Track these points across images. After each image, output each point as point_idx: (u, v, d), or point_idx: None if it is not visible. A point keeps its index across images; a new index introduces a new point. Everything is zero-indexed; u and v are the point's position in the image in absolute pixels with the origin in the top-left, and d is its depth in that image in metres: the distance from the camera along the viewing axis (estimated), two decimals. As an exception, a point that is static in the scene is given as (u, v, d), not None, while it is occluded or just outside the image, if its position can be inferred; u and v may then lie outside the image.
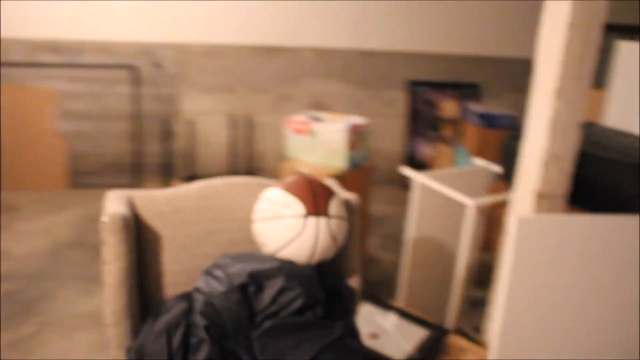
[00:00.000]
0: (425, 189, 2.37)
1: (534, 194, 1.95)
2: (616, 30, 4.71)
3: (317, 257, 1.34)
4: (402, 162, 4.68)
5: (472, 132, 3.59)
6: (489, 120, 3.48)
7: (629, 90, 2.37)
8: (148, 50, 4.12)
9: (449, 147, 4.27)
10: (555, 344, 1.73)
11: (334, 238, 1.35)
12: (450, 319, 2.27)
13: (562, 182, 1.94)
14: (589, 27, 1.81)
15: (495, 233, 2.68)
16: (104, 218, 1.28)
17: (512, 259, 1.66)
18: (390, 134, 4.68)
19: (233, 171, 4.38)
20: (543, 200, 1.95)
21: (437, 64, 4.62)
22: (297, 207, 1.32)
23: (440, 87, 4.66)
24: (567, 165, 1.94)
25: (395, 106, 4.63)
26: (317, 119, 2.89)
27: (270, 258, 1.34)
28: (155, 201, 1.41)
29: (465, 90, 4.70)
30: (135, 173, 4.26)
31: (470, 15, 4.52)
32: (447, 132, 4.68)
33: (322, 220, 1.32)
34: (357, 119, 2.90)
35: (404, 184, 4.58)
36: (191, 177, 4.11)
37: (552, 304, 1.70)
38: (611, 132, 2.33)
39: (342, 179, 2.77)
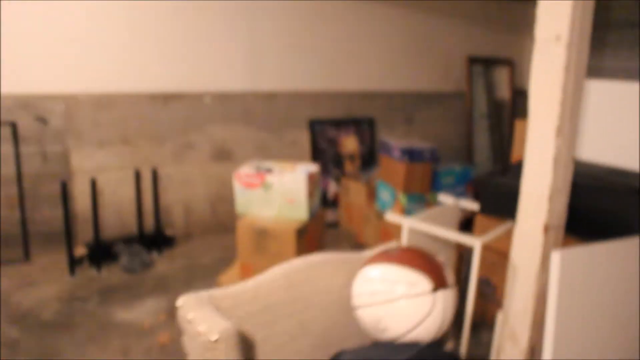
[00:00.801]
0: (413, 233, 2.36)
1: (542, 227, 2.03)
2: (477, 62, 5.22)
3: (442, 332, 1.24)
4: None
5: (395, 166, 3.68)
6: (412, 155, 3.60)
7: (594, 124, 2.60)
8: (29, 103, 3.59)
9: (361, 183, 4.33)
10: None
11: (456, 308, 1.26)
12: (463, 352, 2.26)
13: (563, 214, 2.06)
14: (579, 69, 1.96)
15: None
16: (213, 336, 1.04)
17: (557, 292, 1.70)
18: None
19: (141, 229, 3.97)
20: (549, 232, 2.04)
21: (334, 101, 4.69)
22: (423, 282, 1.20)
23: (339, 124, 4.73)
24: (565, 198, 2.06)
25: (298, 146, 4.59)
26: (268, 170, 2.73)
27: (403, 347, 1.20)
28: (242, 299, 1.19)
29: (362, 125, 4.83)
30: (25, 244, 3.65)
31: (361, 53, 4.68)
32: (349, 167, 4.75)
33: (448, 292, 1.23)
34: (312, 167, 2.81)
35: (328, 223, 4.53)
36: (96, 243, 3.64)
37: (599, 331, 1.77)
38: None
39: (305, 230, 2.66)
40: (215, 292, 1.17)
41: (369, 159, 4.91)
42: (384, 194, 3.87)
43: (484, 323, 2.96)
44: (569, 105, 1.99)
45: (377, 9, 4.65)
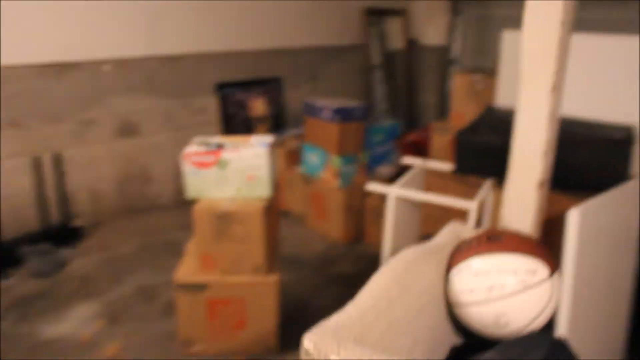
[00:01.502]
0: (398, 202, 2.26)
1: (536, 183, 2.04)
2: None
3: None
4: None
5: (326, 128, 3.54)
6: (344, 114, 3.48)
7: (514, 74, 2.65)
8: None
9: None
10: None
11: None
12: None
13: (550, 169, 2.08)
14: (569, 24, 1.95)
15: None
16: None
17: (575, 250, 1.72)
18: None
19: (43, 224, 3.43)
20: (542, 188, 2.06)
21: (241, 62, 4.38)
22: (541, 269, 1.11)
23: (247, 86, 4.45)
24: (553, 153, 2.08)
25: (207, 113, 4.25)
26: (221, 146, 2.45)
27: (528, 341, 1.10)
28: (368, 322, 0.99)
29: (270, 85, 4.59)
30: None
31: (264, 9, 4.40)
32: (260, 131, 4.52)
33: (559, 274, 1.14)
34: (268, 138, 2.57)
35: None
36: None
37: (616, 283, 1.83)
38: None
39: (270, 208, 2.45)
40: (338, 322, 0.97)
41: (279, 120, 4.70)
42: (312, 157, 3.73)
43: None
44: (562, 61, 1.99)
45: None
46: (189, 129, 4.09)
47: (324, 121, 3.57)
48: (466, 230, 1.57)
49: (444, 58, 5.58)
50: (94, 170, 3.69)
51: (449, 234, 1.38)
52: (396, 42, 5.52)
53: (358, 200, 3.59)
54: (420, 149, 3.99)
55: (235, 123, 4.40)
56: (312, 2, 4.67)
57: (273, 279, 2.43)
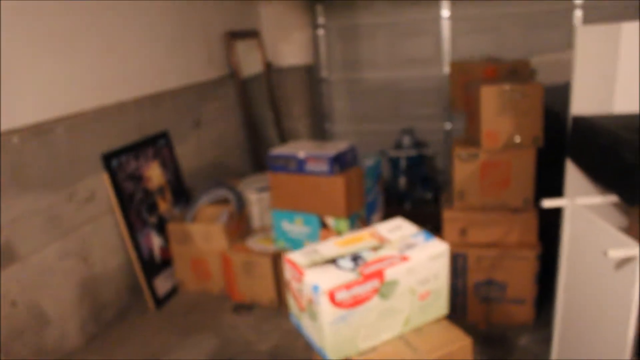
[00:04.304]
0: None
1: None
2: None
3: None
4: (128, 287, 3.04)
5: (323, 184, 2.64)
6: (343, 163, 2.64)
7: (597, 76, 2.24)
8: None
9: (188, 222, 3.04)
10: None
11: None
12: None
13: None
14: None
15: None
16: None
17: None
18: (103, 244, 2.92)
19: None
20: None
21: (124, 118, 3.09)
22: None
23: (136, 149, 3.18)
24: None
25: (97, 200, 2.88)
26: (361, 258, 1.47)
27: None
28: None
29: (158, 143, 3.38)
30: None
31: (128, 49, 3.19)
32: (163, 206, 3.30)
33: None
34: (409, 226, 1.65)
35: (165, 294, 3.07)
36: None
37: None
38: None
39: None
40: None
41: (178, 187, 3.50)
42: (294, 227, 2.78)
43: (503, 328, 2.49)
44: None
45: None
46: (80, 230, 2.70)
47: (314, 176, 2.65)
48: None
49: (312, 77, 4.97)
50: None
51: None
52: (255, 66, 4.68)
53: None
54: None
55: (136, 203, 3.08)
56: (175, 34, 3.55)
57: None
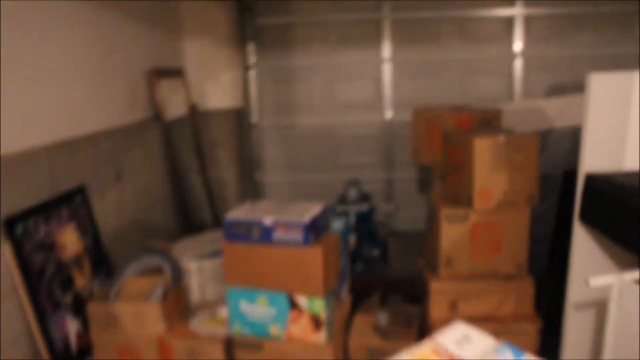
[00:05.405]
0: None
1: None
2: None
3: None
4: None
5: (294, 257, 2.18)
6: (318, 229, 2.21)
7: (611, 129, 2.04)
8: None
9: (112, 300, 2.47)
10: None
11: None
12: None
13: None
14: None
15: None
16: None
17: None
18: (2, 334, 2.24)
19: None
20: None
21: (30, 170, 2.46)
22: None
23: (48, 209, 2.54)
24: None
25: (-5, 280, 2.21)
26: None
27: None
28: None
29: (74, 201, 2.75)
30: None
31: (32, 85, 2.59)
32: (80, 281, 2.67)
33: None
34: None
35: None
36: None
37: None
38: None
39: None
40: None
41: (97, 255, 2.87)
42: (256, 308, 2.28)
43: None
44: None
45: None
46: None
47: (283, 247, 2.18)
48: None
49: (241, 122, 4.53)
50: None
51: None
52: (180, 108, 4.16)
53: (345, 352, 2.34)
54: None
55: (46, 281, 2.42)
56: (91, 71, 2.97)
57: None
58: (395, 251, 3.97)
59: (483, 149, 2.26)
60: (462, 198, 2.40)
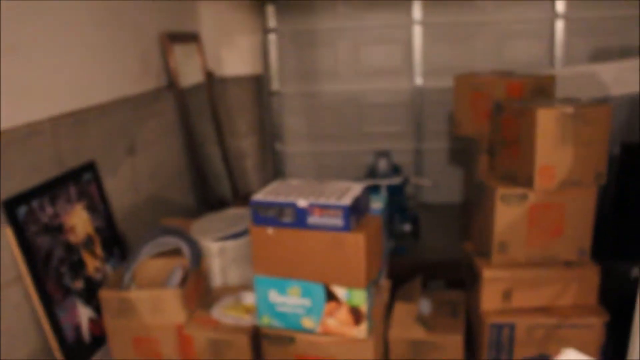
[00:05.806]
0: None
1: None
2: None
3: None
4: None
5: (333, 244, 1.93)
6: (359, 212, 1.95)
7: None
8: None
9: (126, 285, 2.24)
10: None
11: None
12: None
13: None
14: None
15: None
16: None
17: None
18: (8, 326, 2.02)
19: None
20: None
21: (34, 146, 2.21)
22: None
23: (53, 189, 2.29)
24: None
25: (-2, 268, 1.98)
26: None
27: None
28: None
29: (82, 179, 2.51)
30: None
31: (43, 55, 2.32)
32: (92, 264, 2.45)
33: None
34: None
35: None
36: None
37: None
38: None
39: None
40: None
41: (110, 236, 2.64)
42: (289, 299, 2.04)
43: None
44: None
45: None
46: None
47: (321, 232, 1.92)
48: None
49: (261, 89, 4.24)
50: None
51: None
52: (195, 75, 3.87)
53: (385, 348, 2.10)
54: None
55: (54, 267, 2.19)
56: (100, 38, 2.68)
57: None
58: (425, 226, 3.71)
59: (547, 121, 1.97)
60: (518, 176, 2.12)
